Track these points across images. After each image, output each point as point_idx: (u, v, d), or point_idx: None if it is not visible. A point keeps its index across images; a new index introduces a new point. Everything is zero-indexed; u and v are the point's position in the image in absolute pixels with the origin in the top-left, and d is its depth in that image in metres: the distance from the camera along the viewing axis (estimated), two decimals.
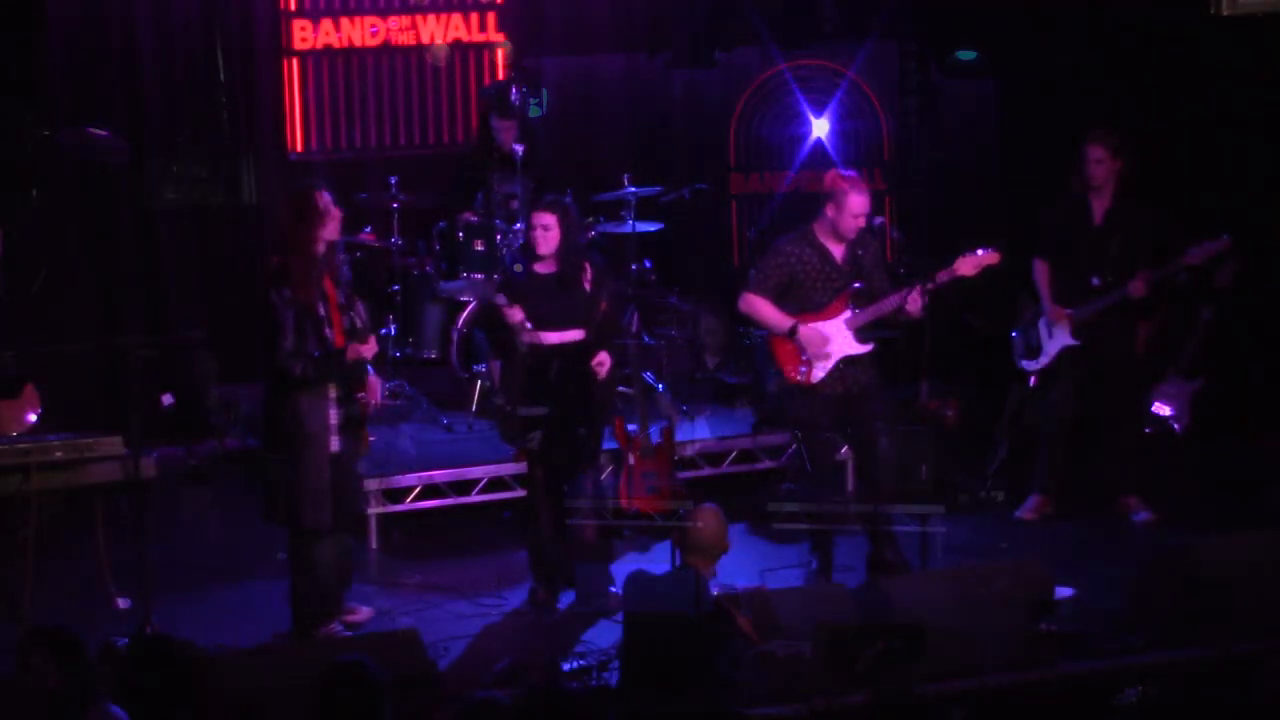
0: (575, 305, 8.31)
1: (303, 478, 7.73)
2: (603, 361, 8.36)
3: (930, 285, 8.36)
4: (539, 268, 8.35)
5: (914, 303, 8.35)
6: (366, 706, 5.27)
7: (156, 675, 5.41)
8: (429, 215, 11.04)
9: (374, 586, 8.75)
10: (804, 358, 8.51)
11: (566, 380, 8.29)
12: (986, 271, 8.51)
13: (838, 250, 8.55)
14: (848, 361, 8.52)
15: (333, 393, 7.73)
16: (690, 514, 7.04)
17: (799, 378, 8.51)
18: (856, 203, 8.45)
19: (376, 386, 8.02)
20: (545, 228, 8.28)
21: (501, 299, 8.27)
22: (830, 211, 8.50)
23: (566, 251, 8.32)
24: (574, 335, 8.32)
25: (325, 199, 7.77)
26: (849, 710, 7.08)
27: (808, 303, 8.53)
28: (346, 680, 5.29)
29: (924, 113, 11.45)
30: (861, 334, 8.52)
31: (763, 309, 8.55)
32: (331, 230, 7.79)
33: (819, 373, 8.50)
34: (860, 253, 8.54)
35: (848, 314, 8.50)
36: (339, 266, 7.88)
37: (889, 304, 8.39)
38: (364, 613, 8.21)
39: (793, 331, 8.48)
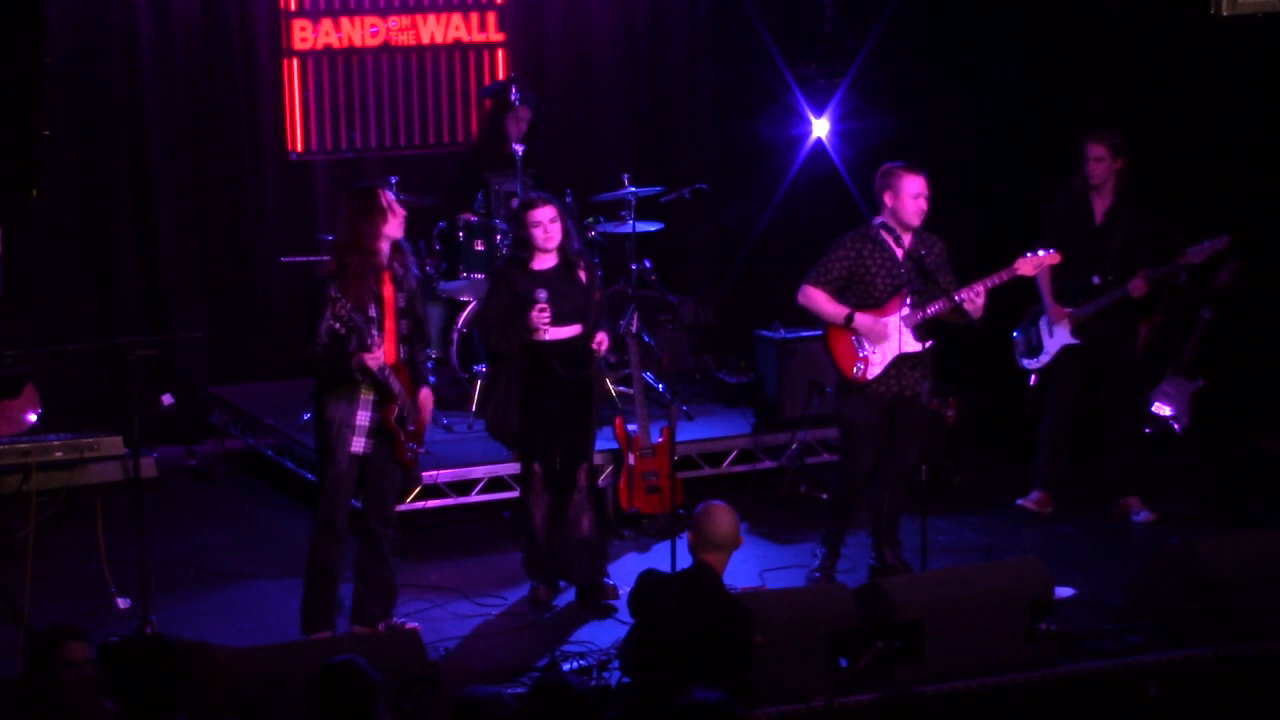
0: (576, 299, 8.31)
1: (323, 473, 7.75)
2: (601, 341, 8.35)
3: (989, 283, 8.35)
4: (535, 265, 8.34)
5: (974, 302, 8.31)
6: (358, 706, 5.26)
7: (148, 674, 5.40)
8: (429, 215, 11.04)
9: None
10: (861, 354, 8.42)
11: (567, 377, 8.28)
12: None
13: (899, 247, 8.49)
14: (904, 360, 8.43)
15: (365, 394, 7.68)
16: (705, 511, 7.01)
17: (856, 374, 8.42)
18: (911, 183, 8.38)
19: (428, 404, 7.90)
20: (552, 220, 8.27)
21: (543, 294, 8.16)
22: (889, 200, 8.42)
23: (564, 244, 8.33)
24: (574, 331, 8.31)
25: (389, 196, 7.70)
26: (849, 710, 7.09)
27: (867, 299, 8.44)
28: (339, 680, 5.29)
29: (924, 113, 11.44)
30: (919, 332, 8.43)
31: (820, 300, 8.46)
32: (394, 228, 7.69)
33: (875, 369, 8.41)
34: (924, 252, 8.42)
35: (904, 311, 8.40)
36: (406, 269, 7.78)
37: (945, 303, 8.31)
38: (412, 627, 8.12)
39: (849, 320, 8.38)
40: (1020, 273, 8.45)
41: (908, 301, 8.40)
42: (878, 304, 8.43)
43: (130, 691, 5.39)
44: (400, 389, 7.71)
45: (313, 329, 7.58)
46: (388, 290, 7.69)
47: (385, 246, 7.68)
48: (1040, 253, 8.49)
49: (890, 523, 8.70)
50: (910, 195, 8.38)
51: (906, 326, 8.40)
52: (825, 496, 9.34)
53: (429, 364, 7.93)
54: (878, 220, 8.50)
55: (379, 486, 7.87)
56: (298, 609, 7.94)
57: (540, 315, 8.15)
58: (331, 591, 7.85)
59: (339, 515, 7.74)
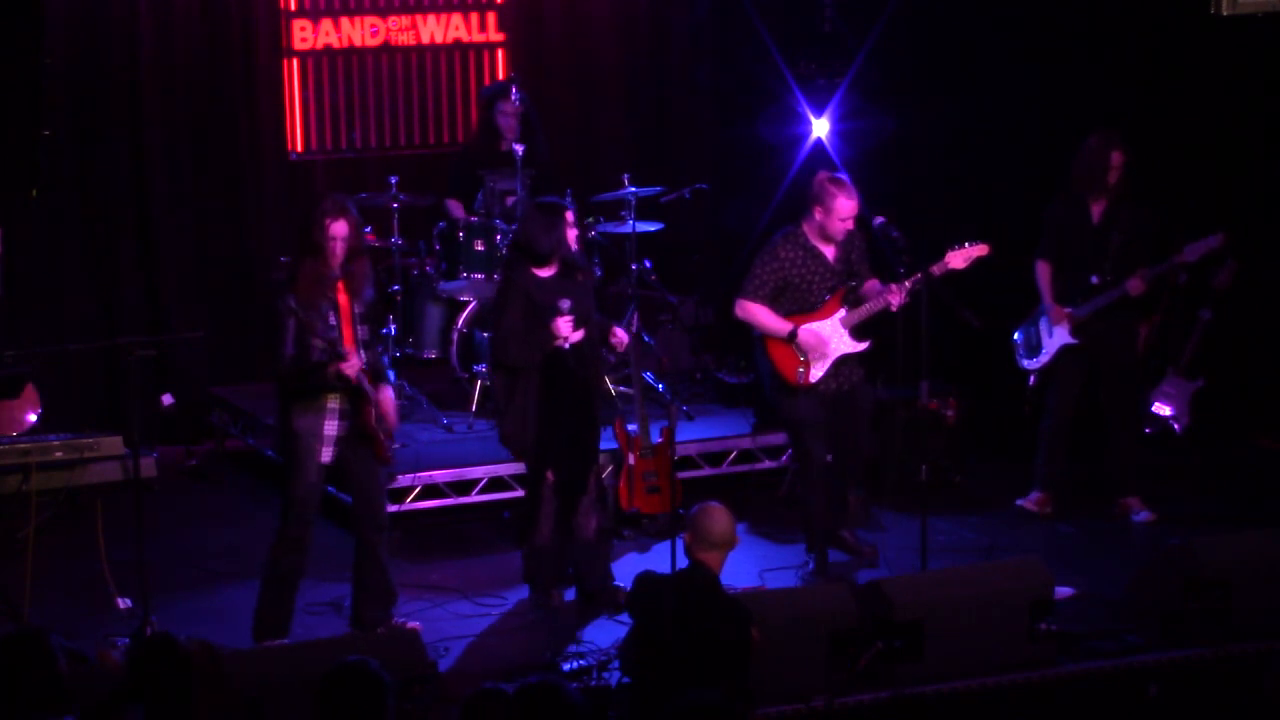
0: (581, 303, 8.30)
1: (290, 485, 7.69)
2: (621, 340, 8.35)
3: (920, 279, 8.40)
4: (540, 272, 8.33)
5: (896, 295, 8.46)
6: (369, 706, 5.25)
7: (162, 673, 5.38)
8: (429, 215, 11.04)
9: None
10: (802, 359, 8.55)
11: (581, 380, 8.28)
12: (978, 265, 8.57)
13: (828, 250, 8.63)
14: (843, 360, 8.61)
15: (333, 403, 7.67)
16: (701, 511, 7.02)
17: (798, 380, 8.55)
18: (844, 206, 8.51)
19: (392, 410, 7.86)
20: (572, 224, 8.29)
21: (567, 304, 8.14)
22: (819, 214, 8.59)
23: (568, 250, 8.33)
24: (581, 334, 8.32)
25: (336, 227, 7.59)
26: (849, 710, 7.08)
27: (802, 303, 8.60)
28: (350, 680, 5.28)
29: (925, 113, 11.44)
30: (857, 332, 8.61)
31: (759, 315, 8.60)
32: (338, 257, 7.63)
33: (817, 373, 8.57)
34: (850, 252, 8.66)
35: (842, 313, 8.60)
36: (362, 280, 7.72)
37: (882, 301, 8.50)
38: (413, 626, 8.09)
39: (792, 336, 8.55)
40: (950, 265, 8.53)
41: (844, 304, 8.60)
42: (814, 308, 8.61)
43: (142, 690, 5.38)
44: (373, 392, 7.71)
45: (278, 343, 7.53)
46: (342, 298, 7.67)
47: (340, 249, 7.61)
48: (969, 244, 8.55)
49: (843, 501, 8.91)
50: (839, 218, 8.57)
51: (844, 328, 8.58)
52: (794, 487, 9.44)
53: (383, 360, 7.93)
54: (806, 224, 8.64)
55: (368, 491, 7.86)
56: (297, 610, 7.93)
57: (566, 324, 8.13)
58: (291, 599, 7.83)
59: (307, 528, 7.73)
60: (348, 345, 7.62)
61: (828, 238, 8.58)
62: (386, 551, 7.97)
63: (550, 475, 8.35)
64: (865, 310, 8.55)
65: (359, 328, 7.73)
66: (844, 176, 8.67)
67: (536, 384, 8.22)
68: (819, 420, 8.70)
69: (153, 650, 5.48)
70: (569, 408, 8.27)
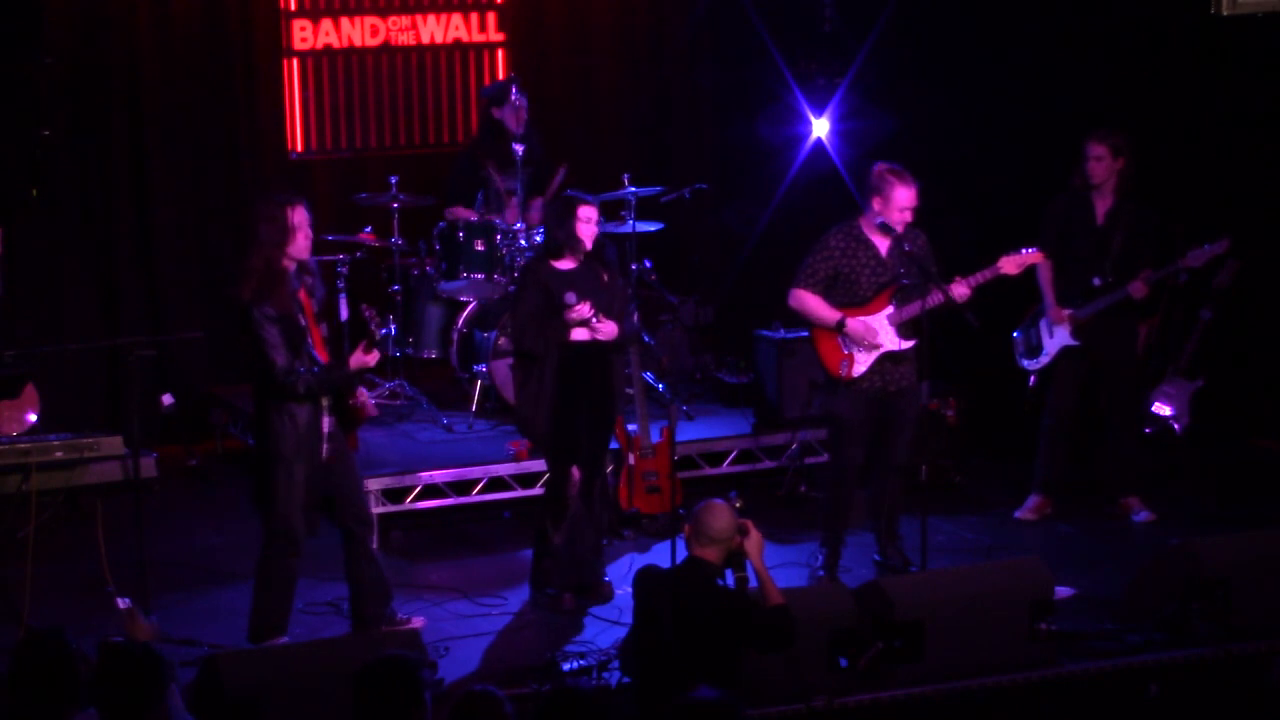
0: (602, 298, 8.29)
1: (296, 488, 7.61)
2: (610, 331, 8.31)
3: (973, 280, 8.37)
4: (559, 265, 8.33)
5: (959, 292, 8.33)
6: (406, 700, 5.23)
7: (124, 684, 5.38)
8: (429, 215, 11.04)
9: None
10: (846, 351, 8.48)
11: (598, 378, 8.28)
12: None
13: (883, 244, 8.53)
14: (889, 358, 8.51)
15: (325, 402, 7.67)
16: (705, 506, 7.02)
17: (841, 373, 8.49)
18: (903, 195, 8.42)
19: (368, 397, 7.91)
20: (590, 220, 8.27)
21: (572, 296, 8.12)
22: (877, 204, 8.48)
23: (595, 246, 8.32)
24: (613, 327, 8.30)
25: (298, 216, 7.53)
26: (849, 710, 7.09)
27: (853, 297, 8.52)
28: (387, 674, 5.24)
29: (924, 113, 11.44)
30: (905, 330, 8.51)
31: (811, 303, 8.53)
32: (301, 248, 7.55)
33: (860, 368, 8.49)
34: (908, 247, 8.46)
35: (890, 309, 8.49)
36: (312, 280, 7.72)
37: (932, 300, 8.33)
38: (416, 622, 8.08)
39: (840, 325, 8.45)
40: (1003, 271, 8.49)
41: (893, 300, 8.47)
42: (863, 302, 8.51)
43: (107, 700, 5.38)
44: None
45: (268, 352, 7.42)
46: (302, 295, 7.63)
47: (304, 240, 7.57)
48: (1023, 251, 8.53)
49: (890, 519, 8.72)
50: (898, 207, 8.45)
51: (891, 325, 8.48)
52: (818, 495, 9.38)
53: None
54: (862, 217, 8.56)
55: (349, 487, 7.85)
56: (297, 610, 7.93)
57: (581, 310, 8.10)
58: (288, 600, 7.80)
59: (315, 524, 7.71)
60: (317, 344, 7.60)
61: (885, 230, 8.46)
62: (374, 545, 7.94)
63: (576, 473, 8.33)
64: (915, 308, 8.38)
65: (321, 326, 7.72)
66: (899, 166, 8.55)
67: (552, 372, 8.23)
68: (859, 420, 8.56)
69: (118, 660, 5.47)
70: (585, 403, 8.27)
